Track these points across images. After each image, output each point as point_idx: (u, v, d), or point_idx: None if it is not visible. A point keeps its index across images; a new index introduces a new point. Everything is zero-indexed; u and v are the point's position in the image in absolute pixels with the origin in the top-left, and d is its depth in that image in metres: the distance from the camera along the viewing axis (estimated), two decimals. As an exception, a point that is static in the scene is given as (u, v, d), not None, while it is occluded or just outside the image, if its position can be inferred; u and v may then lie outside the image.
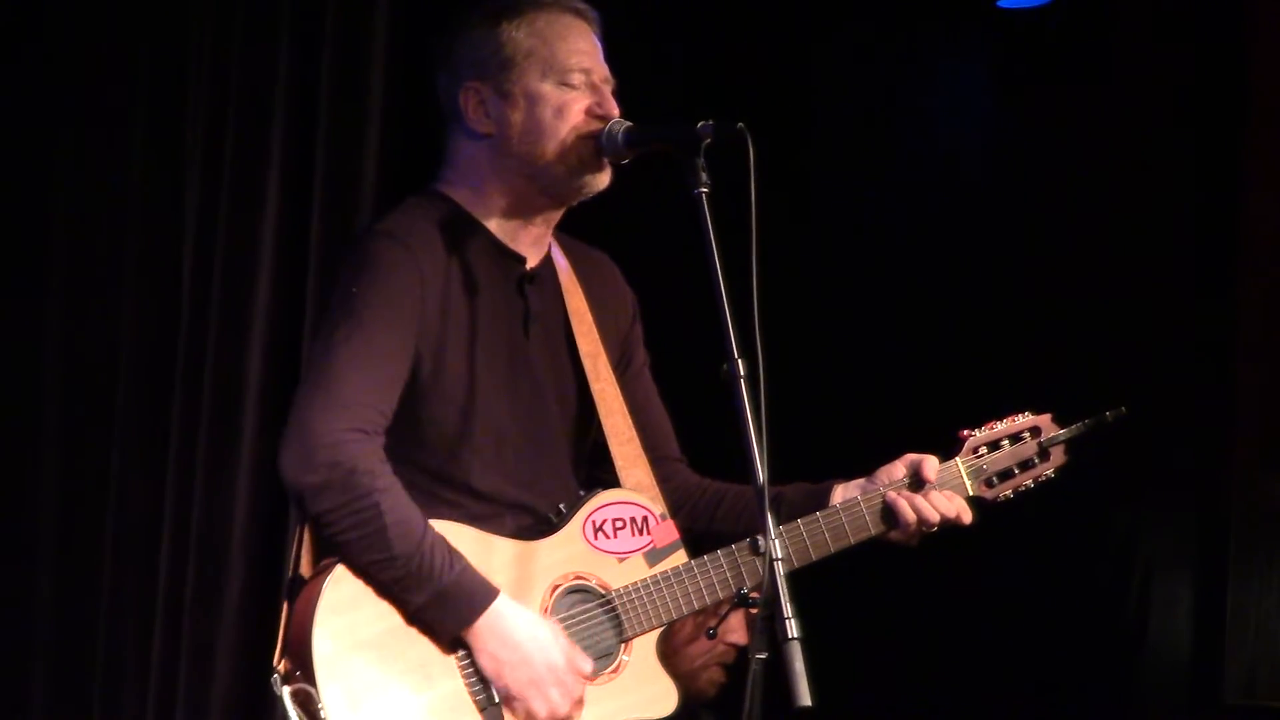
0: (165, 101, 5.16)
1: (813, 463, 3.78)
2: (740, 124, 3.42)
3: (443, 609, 3.49)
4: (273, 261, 5.06)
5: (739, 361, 3.30)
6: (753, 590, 3.34)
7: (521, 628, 3.52)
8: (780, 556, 3.22)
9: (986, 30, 5.40)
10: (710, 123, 3.45)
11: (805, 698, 3.11)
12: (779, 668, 3.14)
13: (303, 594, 3.52)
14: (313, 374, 3.54)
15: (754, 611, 3.23)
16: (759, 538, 3.24)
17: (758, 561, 3.48)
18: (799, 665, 3.13)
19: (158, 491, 5.11)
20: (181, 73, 5.15)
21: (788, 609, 3.18)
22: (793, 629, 3.16)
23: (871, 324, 5.35)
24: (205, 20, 5.13)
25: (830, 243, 5.37)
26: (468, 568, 3.51)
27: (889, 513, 3.73)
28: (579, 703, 3.56)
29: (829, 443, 4.31)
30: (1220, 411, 5.32)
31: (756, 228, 3.31)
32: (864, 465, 3.80)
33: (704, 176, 3.42)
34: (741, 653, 3.73)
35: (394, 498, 3.48)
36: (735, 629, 3.84)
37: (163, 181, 5.16)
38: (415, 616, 3.50)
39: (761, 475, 3.26)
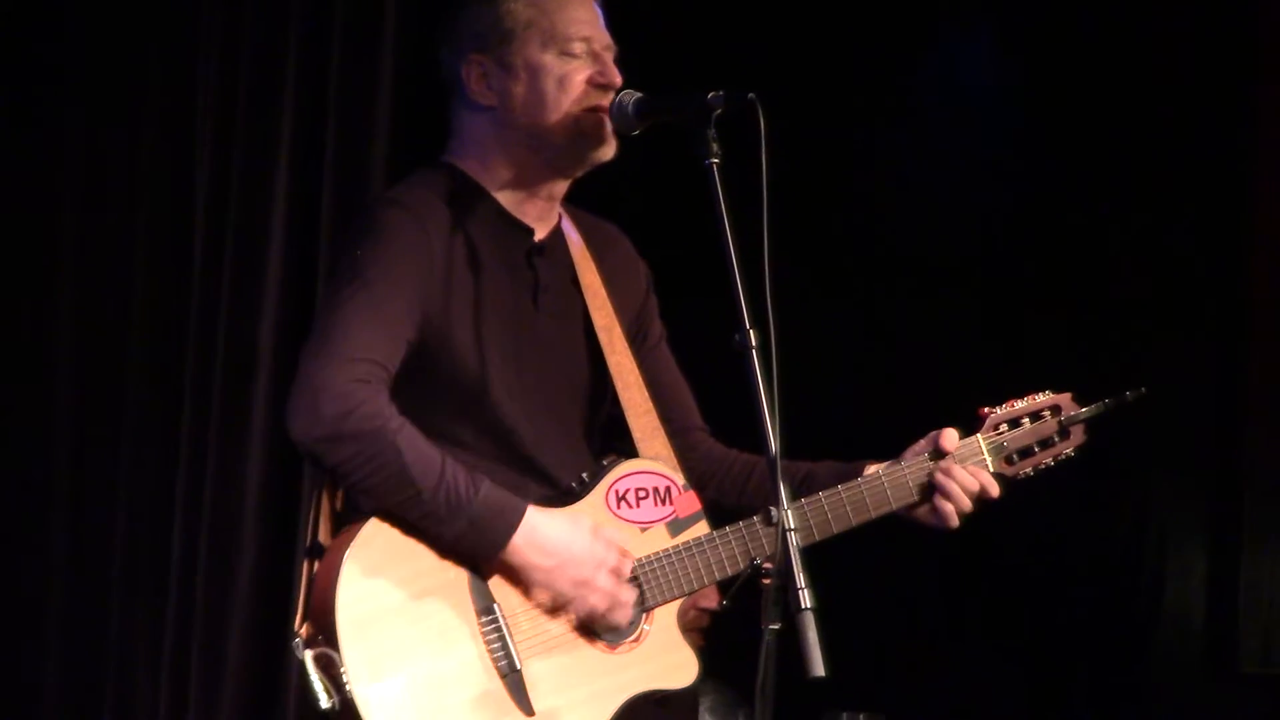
0: (176, 77, 5.16)
1: (833, 444, 3.77)
2: (751, 94, 3.41)
3: (478, 534, 3.48)
4: (283, 237, 5.08)
5: (750, 332, 3.30)
6: (766, 560, 3.34)
7: (556, 531, 3.52)
8: (794, 526, 3.23)
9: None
10: (721, 93, 3.44)
11: (818, 668, 3.11)
12: (792, 638, 3.14)
13: (325, 559, 3.52)
14: (315, 334, 3.54)
15: (767, 582, 3.24)
16: (772, 508, 3.24)
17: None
18: (812, 635, 3.13)
19: (170, 466, 5.13)
20: (192, 49, 5.15)
21: (801, 579, 3.18)
22: (806, 599, 3.16)
23: (888, 303, 5.35)
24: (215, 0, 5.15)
25: (844, 225, 5.37)
26: (491, 487, 3.50)
27: (910, 485, 3.72)
28: (632, 580, 3.57)
29: (849, 423, 4.30)
30: (1233, 380, 5.32)
31: (767, 198, 3.30)
32: (882, 443, 3.79)
33: (715, 147, 3.41)
34: (717, 618, 3.72)
35: (407, 435, 3.47)
36: (707, 594, 3.83)
37: (174, 158, 5.17)
38: (452, 546, 3.49)
39: (774, 445, 3.26)
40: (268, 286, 5.06)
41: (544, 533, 3.52)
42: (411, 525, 3.50)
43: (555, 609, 3.56)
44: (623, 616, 3.58)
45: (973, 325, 5.32)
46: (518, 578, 3.55)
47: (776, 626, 3.18)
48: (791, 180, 3.45)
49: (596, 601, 3.54)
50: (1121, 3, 5.32)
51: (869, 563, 3.77)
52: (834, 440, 3.77)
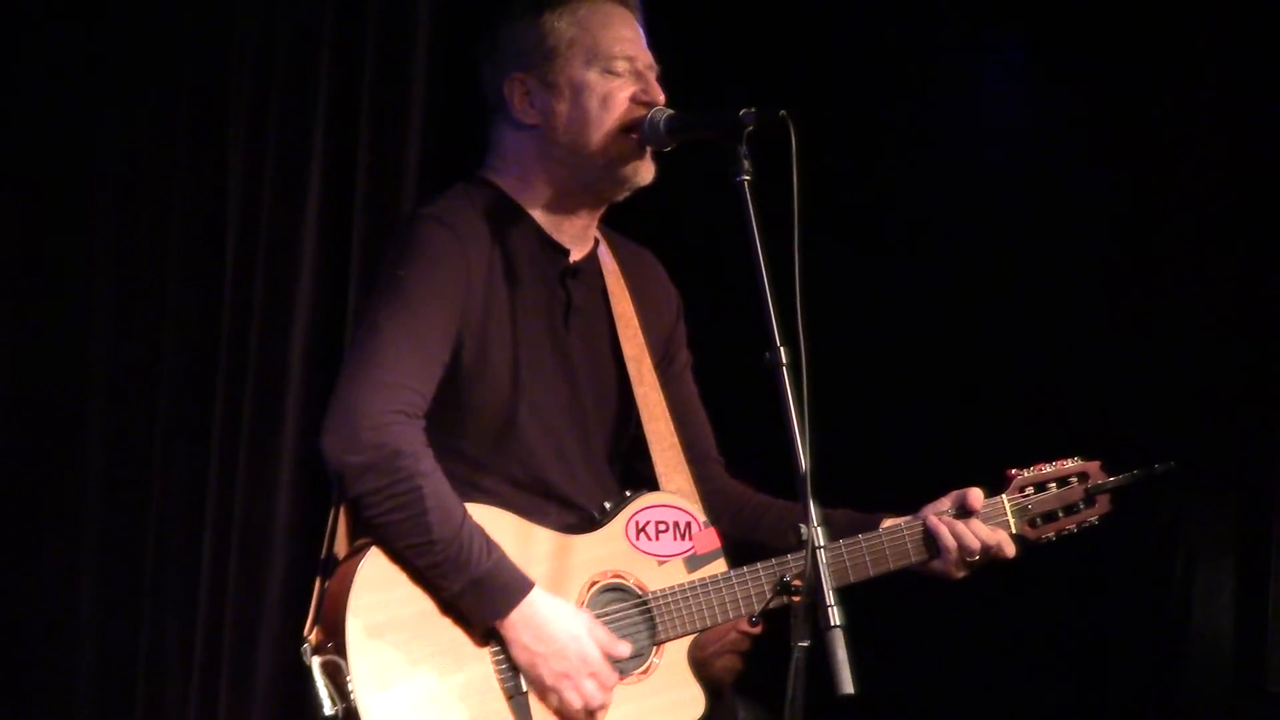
0: (208, 92, 5.17)
1: (854, 495, 3.79)
2: (783, 111, 3.42)
3: (478, 598, 3.50)
4: (315, 252, 5.08)
5: (781, 350, 3.31)
6: (795, 578, 3.34)
7: (556, 620, 3.53)
8: (823, 544, 3.23)
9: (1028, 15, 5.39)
10: (753, 110, 3.45)
11: (848, 685, 3.13)
12: (822, 655, 3.14)
13: (340, 569, 3.54)
14: (357, 354, 3.56)
15: (796, 599, 3.24)
16: (802, 525, 3.24)
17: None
18: (841, 653, 3.15)
19: (200, 481, 5.13)
20: (224, 63, 5.16)
21: (830, 596, 3.19)
22: (835, 616, 3.17)
23: (919, 354, 5.34)
24: (249, 10, 5.15)
25: (878, 243, 5.38)
26: (504, 558, 3.52)
27: (930, 540, 3.74)
28: (611, 694, 3.57)
29: (873, 477, 4.30)
30: (1262, 399, 5.30)
31: (799, 216, 3.31)
32: (906, 494, 3.82)
33: (746, 164, 3.43)
34: (757, 641, 3.73)
35: (435, 483, 3.50)
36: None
37: (206, 173, 5.18)
38: (450, 604, 3.51)
39: (804, 463, 3.26)
40: (299, 299, 5.05)
41: (544, 617, 3.52)
42: None
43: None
44: (601, 702, 3.56)
45: (998, 341, 5.31)
46: None
47: (806, 644, 3.18)
48: (823, 198, 3.45)
49: (571, 699, 3.53)
50: (1159, 15, 5.30)
51: (897, 581, 3.77)
52: (856, 459, 3.77)
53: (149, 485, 5.17)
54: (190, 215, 5.18)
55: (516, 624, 3.51)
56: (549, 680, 3.52)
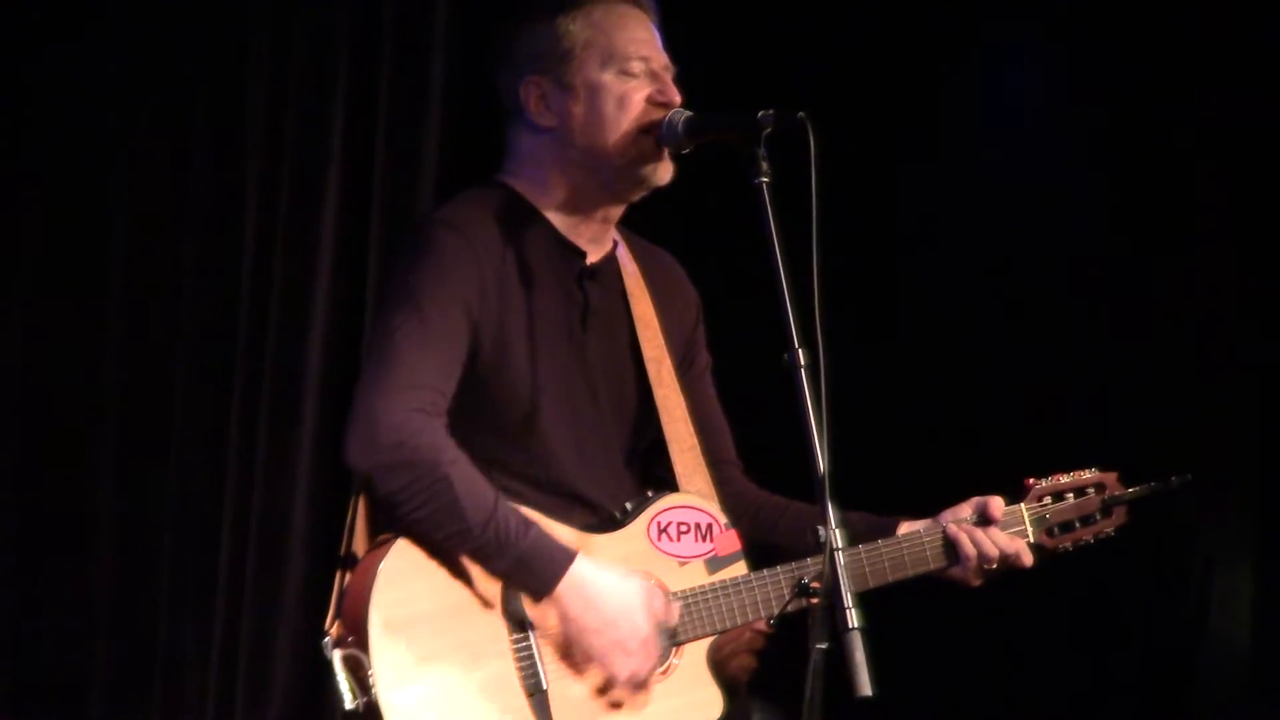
0: (226, 94, 5.18)
1: (871, 498, 3.79)
2: (801, 113, 3.42)
3: (526, 573, 3.50)
4: (333, 254, 5.09)
5: (799, 351, 3.31)
6: (813, 580, 3.34)
7: (604, 589, 3.53)
8: (841, 546, 3.23)
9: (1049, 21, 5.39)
10: (771, 112, 3.45)
11: (866, 687, 3.13)
12: (840, 657, 3.14)
13: (361, 564, 3.55)
14: (373, 359, 3.55)
15: (814, 601, 3.24)
16: (820, 527, 3.24)
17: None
18: (859, 655, 3.15)
19: (218, 481, 5.14)
20: (242, 66, 5.17)
21: (848, 598, 3.19)
22: (853, 619, 3.18)
23: (937, 359, 5.34)
24: (265, 13, 5.16)
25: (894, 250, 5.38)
26: (542, 532, 3.52)
27: (950, 547, 3.75)
28: (660, 660, 3.57)
29: (889, 481, 4.31)
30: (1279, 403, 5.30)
31: (817, 218, 3.31)
32: (922, 499, 3.83)
33: (765, 166, 3.42)
34: (771, 640, 3.73)
35: (462, 469, 3.50)
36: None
37: (223, 175, 5.19)
38: (502, 580, 3.51)
39: (822, 464, 3.26)
40: (317, 300, 5.06)
41: (591, 587, 3.52)
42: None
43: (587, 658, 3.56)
44: (646, 675, 3.56)
45: (1016, 347, 5.31)
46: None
47: (824, 646, 3.18)
48: (842, 200, 3.45)
49: (620, 670, 3.53)
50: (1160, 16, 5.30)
51: (915, 584, 3.77)
52: (873, 461, 3.77)
53: (166, 486, 5.17)
54: (207, 218, 5.19)
55: (567, 594, 3.51)
56: (597, 650, 3.53)
